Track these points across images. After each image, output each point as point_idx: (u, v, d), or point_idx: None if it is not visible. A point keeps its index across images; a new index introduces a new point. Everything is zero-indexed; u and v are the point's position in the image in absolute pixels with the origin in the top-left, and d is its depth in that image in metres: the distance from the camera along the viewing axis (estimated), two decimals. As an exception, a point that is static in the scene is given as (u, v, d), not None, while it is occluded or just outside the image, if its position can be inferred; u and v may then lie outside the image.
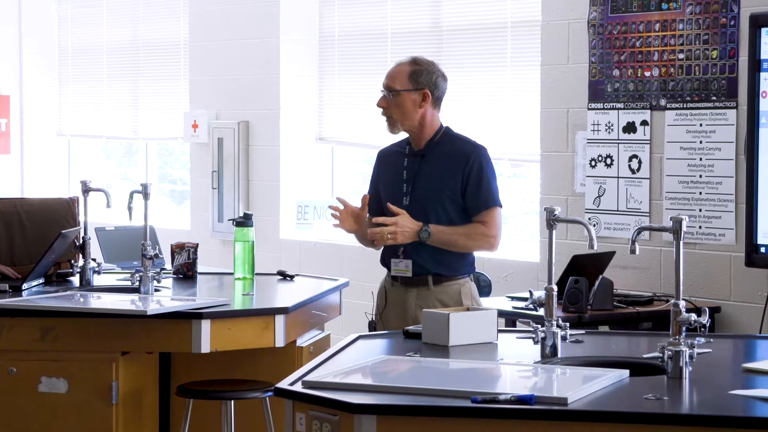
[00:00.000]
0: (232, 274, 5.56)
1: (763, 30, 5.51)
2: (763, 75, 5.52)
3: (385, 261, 4.86)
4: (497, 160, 6.97)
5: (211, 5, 8.59)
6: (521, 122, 6.97)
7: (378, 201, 4.85)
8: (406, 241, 4.65)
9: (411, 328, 4.08)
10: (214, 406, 4.92)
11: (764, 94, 5.53)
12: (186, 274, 5.60)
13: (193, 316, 4.64)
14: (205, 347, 4.64)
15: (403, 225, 4.63)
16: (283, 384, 3.30)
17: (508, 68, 7.08)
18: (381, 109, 4.79)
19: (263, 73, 8.24)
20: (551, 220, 3.73)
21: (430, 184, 4.72)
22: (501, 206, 4.76)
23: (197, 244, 5.68)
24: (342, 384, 3.25)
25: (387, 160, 4.90)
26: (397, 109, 4.73)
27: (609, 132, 6.38)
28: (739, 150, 5.86)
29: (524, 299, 5.43)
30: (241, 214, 5.67)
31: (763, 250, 5.52)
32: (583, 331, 4.10)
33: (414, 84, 4.73)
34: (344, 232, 4.89)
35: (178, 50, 8.97)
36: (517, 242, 7.11)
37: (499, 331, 4.02)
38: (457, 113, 7.36)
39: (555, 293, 3.74)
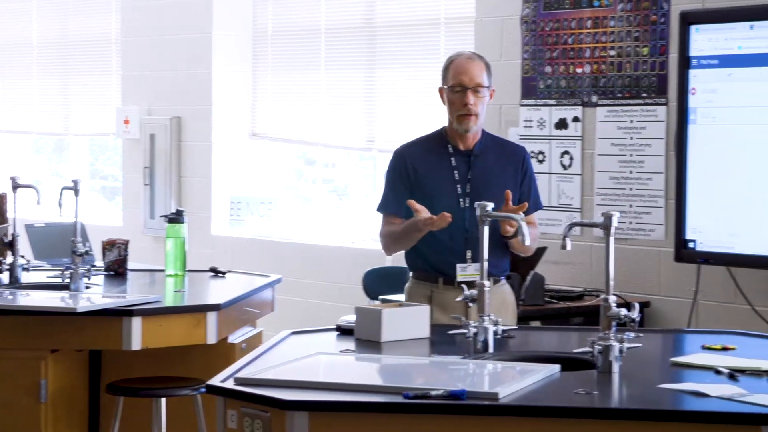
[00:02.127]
0: (163, 270, 5.52)
1: (693, 27, 5.56)
2: (692, 72, 5.58)
3: (425, 266, 4.53)
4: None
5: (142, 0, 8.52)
6: (454, 118, 6.96)
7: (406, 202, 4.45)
8: None
9: (343, 324, 4.07)
10: (145, 403, 4.88)
11: (693, 91, 5.58)
12: (117, 270, 5.55)
13: (124, 313, 4.60)
14: (136, 344, 4.60)
15: None
16: (215, 381, 3.28)
17: (442, 64, 7.07)
18: (465, 107, 4.46)
19: (196, 68, 8.19)
20: (483, 216, 3.74)
21: (491, 186, 4.47)
22: None
23: (128, 241, 5.63)
24: (274, 381, 3.24)
25: (426, 159, 4.55)
26: (482, 106, 4.50)
27: (541, 128, 6.41)
28: (668, 146, 5.92)
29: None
30: (174, 211, 5.63)
31: (691, 245, 5.58)
32: (515, 327, 4.12)
33: (489, 80, 4.54)
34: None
35: (110, 45, 8.88)
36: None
37: (432, 326, 4.02)
38: (390, 109, 7.38)
39: (487, 289, 3.75)
